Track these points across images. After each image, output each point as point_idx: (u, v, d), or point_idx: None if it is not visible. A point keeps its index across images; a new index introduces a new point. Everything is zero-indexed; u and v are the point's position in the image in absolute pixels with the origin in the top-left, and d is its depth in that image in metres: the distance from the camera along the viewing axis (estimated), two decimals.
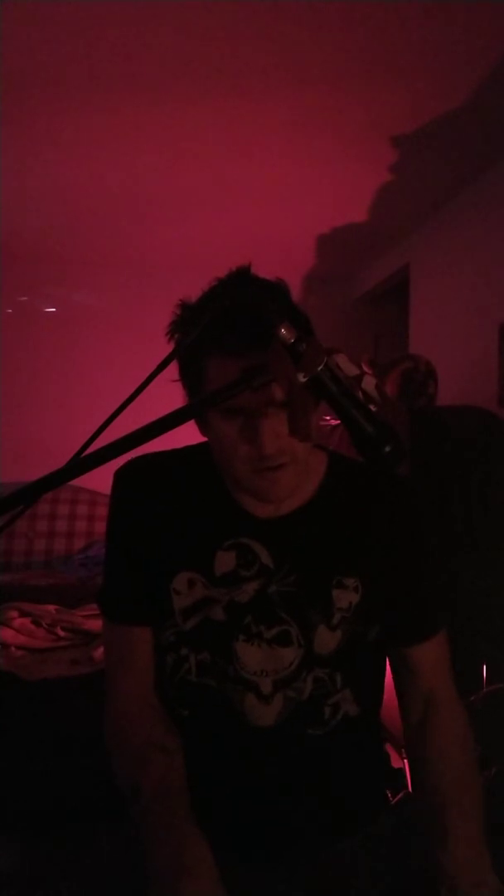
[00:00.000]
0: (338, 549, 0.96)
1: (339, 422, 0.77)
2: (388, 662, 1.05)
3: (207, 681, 0.93)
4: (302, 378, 0.74)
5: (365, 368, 2.21)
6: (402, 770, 1.17)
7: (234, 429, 0.85)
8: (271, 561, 0.93)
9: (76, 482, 0.64)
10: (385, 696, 1.04)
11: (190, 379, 0.89)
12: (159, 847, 0.84)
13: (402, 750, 1.40)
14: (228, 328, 0.81)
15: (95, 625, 2.69)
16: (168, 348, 0.87)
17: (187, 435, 0.96)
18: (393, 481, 1.01)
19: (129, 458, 1.00)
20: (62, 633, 2.67)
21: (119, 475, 1.01)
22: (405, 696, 1.04)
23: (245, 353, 0.80)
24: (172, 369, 0.90)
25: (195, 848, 0.83)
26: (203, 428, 0.94)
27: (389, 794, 1.08)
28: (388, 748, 1.11)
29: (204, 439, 0.97)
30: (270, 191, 3.21)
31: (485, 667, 1.97)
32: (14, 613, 2.75)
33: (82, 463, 0.64)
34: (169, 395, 0.92)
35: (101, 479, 1.03)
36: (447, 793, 0.95)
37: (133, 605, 0.98)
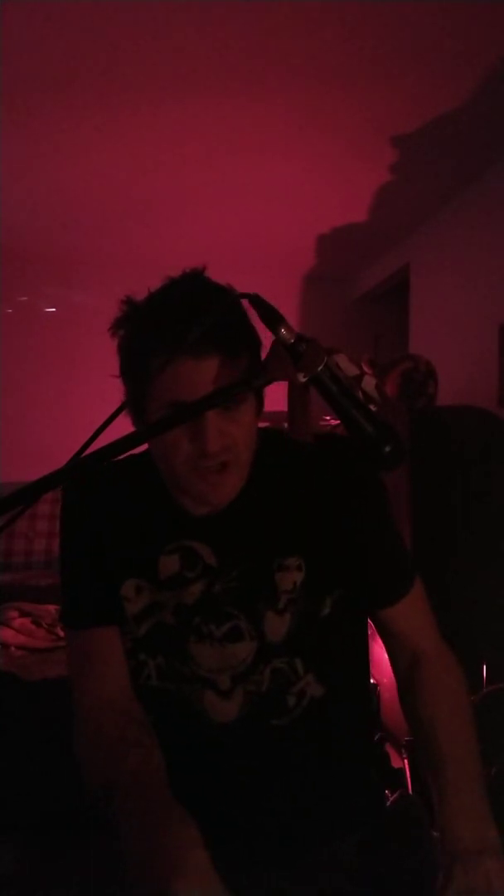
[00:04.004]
0: (276, 530, 0.95)
1: (339, 422, 0.76)
2: (371, 649, 1.04)
3: (167, 685, 0.93)
4: (302, 378, 0.74)
5: (365, 368, 2.21)
6: (401, 770, 1.17)
7: (179, 426, 0.84)
8: (214, 560, 0.93)
9: None
10: (385, 696, 1.04)
11: (133, 375, 0.89)
12: (140, 838, 0.77)
13: (402, 749, 1.41)
14: (184, 327, 0.80)
15: None
16: None
17: None
18: (338, 448, 0.97)
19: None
20: (62, 634, 2.67)
21: (66, 487, 1.01)
22: (394, 660, 1.02)
23: (203, 353, 0.81)
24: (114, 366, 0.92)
25: (184, 834, 0.75)
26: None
27: (388, 794, 1.07)
28: (388, 748, 1.11)
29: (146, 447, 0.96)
30: (271, 191, 3.21)
31: (485, 667, 1.97)
32: (14, 613, 2.75)
33: (82, 463, 0.64)
34: None
35: None
36: (441, 749, 0.91)
37: (95, 606, 0.97)
